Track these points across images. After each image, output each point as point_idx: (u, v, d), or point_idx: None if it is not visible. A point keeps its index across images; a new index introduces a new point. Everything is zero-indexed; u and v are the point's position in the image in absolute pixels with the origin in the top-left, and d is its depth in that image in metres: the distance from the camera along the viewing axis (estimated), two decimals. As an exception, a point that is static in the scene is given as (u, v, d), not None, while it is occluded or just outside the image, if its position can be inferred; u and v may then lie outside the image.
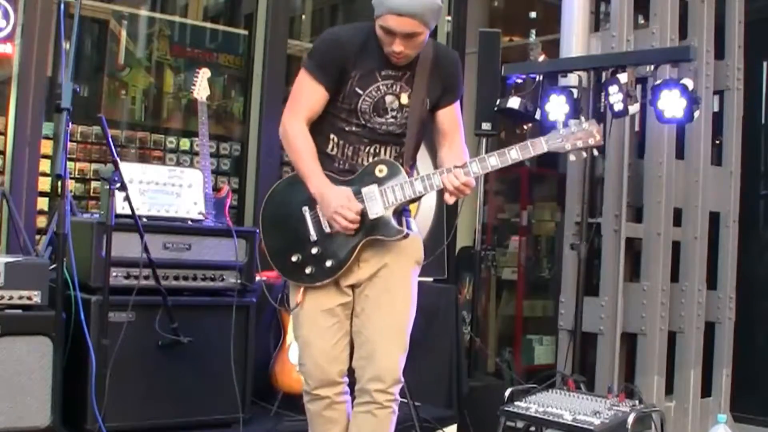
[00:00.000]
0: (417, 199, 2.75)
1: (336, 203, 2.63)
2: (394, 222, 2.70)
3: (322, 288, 2.75)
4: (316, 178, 2.68)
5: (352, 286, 2.77)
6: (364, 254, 2.74)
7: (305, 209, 2.74)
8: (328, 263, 2.72)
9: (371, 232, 2.69)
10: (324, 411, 2.81)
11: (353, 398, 2.80)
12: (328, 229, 2.71)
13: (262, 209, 2.81)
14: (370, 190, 2.69)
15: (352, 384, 2.82)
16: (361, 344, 2.74)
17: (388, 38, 2.62)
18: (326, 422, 2.82)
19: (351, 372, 2.81)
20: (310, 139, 2.72)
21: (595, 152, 2.81)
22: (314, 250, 2.73)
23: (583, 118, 2.76)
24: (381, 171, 2.71)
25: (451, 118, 2.84)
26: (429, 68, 2.74)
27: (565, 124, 2.73)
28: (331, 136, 2.75)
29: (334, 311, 2.76)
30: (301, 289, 2.78)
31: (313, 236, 2.73)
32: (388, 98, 2.72)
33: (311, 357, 2.77)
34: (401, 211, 2.78)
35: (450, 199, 2.68)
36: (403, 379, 2.73)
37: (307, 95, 2.72)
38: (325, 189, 2.67)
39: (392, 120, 2.74)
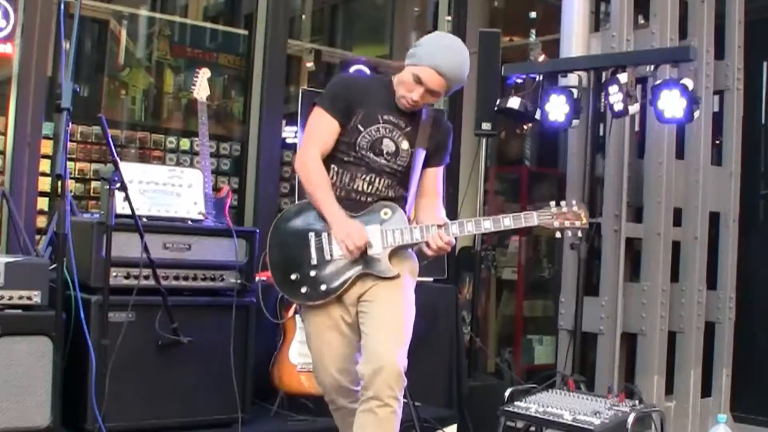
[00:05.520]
0: (414, 245, 2.94)
1: (350, 230, 2.86)
2: (388, 263, 2.89)
3: (326, 306, 2.92)
4: (330, 208, 2.90)
5: (355, 301, 2.92)
6: (360, 278, 2.92)
7: (311, 235, 2.94)
8: (323, 287, 2.91)
9: (366, 268, 2.89)
10: (347, 417, 2.98)
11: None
12: (328, 257, 2.91)
13: (273, 226, 3.02)
14: (373, 229, 2.90)
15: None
16: (365, 344, 2.85)
17: (413, 86, 2.88)
18: (350, 426, 2.94)
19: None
20: (325, 172, 2.95)
21: (579, 234, 3.06)
22: (312, 273, 2.92)
23: (574, 201, 2.99)
24: (386, 214, 2.93)
25: (434, 181, 3.08)
26: (430, 126, 3.00)
27: (557, 203, 2.98)
28: (332, 166, 2.97)
29: (338, 325, 2.94)
30: (293, 306, 3.03)
31: (314, 260, 2.92)
32: (386, 141, 2.95)
33: (323, 369, 2.98)
34: None
35: (431, 254, 2.91)
36: (405, 379, 2.77)
37: (321, 128, 2.95)
38: (342, 216, 2.90)
39: (385, 162, 2.96)
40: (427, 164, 3.04)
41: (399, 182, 2.99)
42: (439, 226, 2.88)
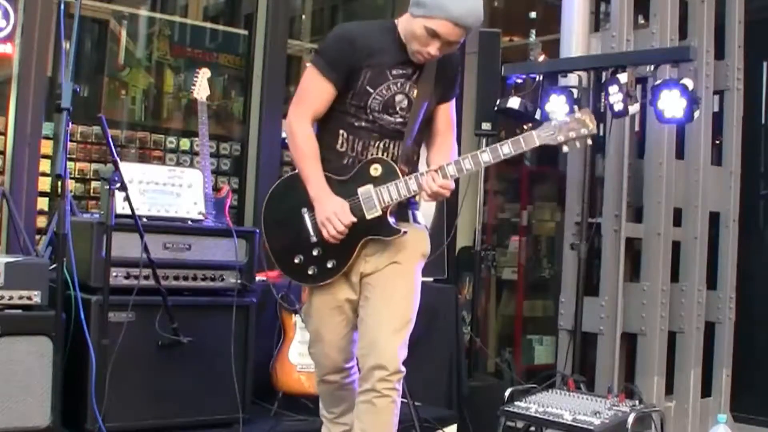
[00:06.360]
0: (413, 196, 2.75)
1: (330, 211, 2.66)
2: (391, 221, 2.72)
3: (331, 285, 2.79)
4: (315, 182, 2.70)
5: (360, 279, 2.79)
6: (369, 250, 2.76)
7: (304, 210, 2.76)
8: (330, 264, 2.75)
9: (369, 232, 2.72)
10: (334, 391, 2.94)
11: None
12: None
13: (263, 210, 2.84)
14: (366, 191, 2.71)
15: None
16: (364, 333, 2.76)
17: (428, 40, 2.61)
18: (336, 399, 2.95)
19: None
20: (315, 140, 2.74)
21: (589, 141, 2.72)
22: (315, 252, 2.76)
23: (576, 107, 2.70)
24: (376, 170, 2.72)
25: (446, 116, 2.86)
26: (435, 66, 2.74)
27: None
28: (341, 131, 2.75)
29: (342, 308, 2.82)
30: (307, 289, 2.86)
31: (313, 237, 2.76)
32: (398, 97, 2.73)
33: (320, 349, 2.88)
34: (408, 204, 2.80)
35: (428, 199, 2.71)
36: (404, 370, 2.72)
37: (315, 92, 2.72)
38: (323, 195, 2.69)
39: (401, 119, 2.74)
40: (437, 101, 2.81)
41: (417, 142, 2.80)
42: (435, 170, 2.64)
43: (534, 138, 2.66)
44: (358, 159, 2.74)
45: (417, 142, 2.84)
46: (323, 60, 2.70)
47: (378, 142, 2.74)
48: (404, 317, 2.74)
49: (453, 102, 2.88)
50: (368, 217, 2.70)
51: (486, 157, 2.66)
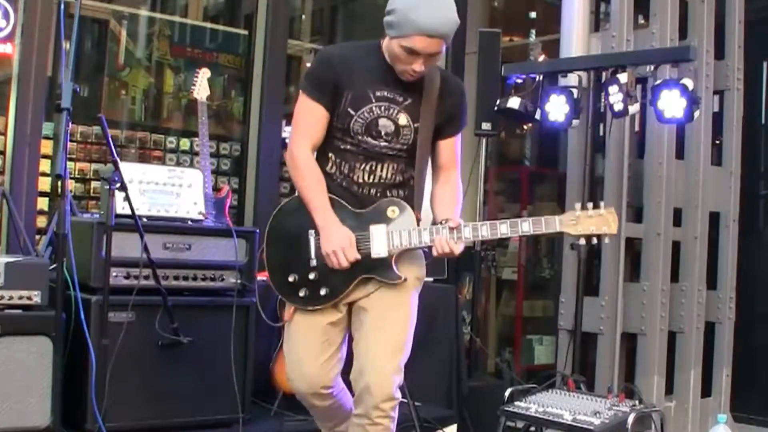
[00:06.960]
0: (422, 248, 2.73)
1: (337, 243, 2.64)
2: (394, 267, 2.69)
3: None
4: (322, 211, 2.69)
5: (349, 303, 2.77)
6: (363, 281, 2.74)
7: (311, 233, 2.73)
8: (323, 291, 2.73)
9: (370, 271, 2.70)
10: (320, 413, 2.91)
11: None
12: None
13: (270, 222, 2.82)
14: (378, 230, 2.69)
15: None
16: (357, 357, 2.72)
17: (409, 58, 2.59)
18: (325, 417, 2.92)
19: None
20: (318, 168, 2.74)
21: (606, 240, 2.71)
22: (312, 275, 2.73)
23: (602, 203, 2.69)
24: (393, 212, 2.71)
25: (451, 152, 2.83)
26: (436, 96, 2.72)
27: (584, 206, 2.69)
28: (330, 155, 2.76)
29: (325, 330, 2.77)
30: (292, 308, 2.80)
31: (313, 261, 2.73)
32: (382, 121, 2.70)
33: (299, 372, 2.79)
34: None
35: (436, 255, 2.70)
36: (398, 396, 2.68)
37: (308, 117, 2.72)
38: (330, 224, 2.67)
39: (386, 144, 2.72)
40: (440, 135, 2.78)
41: (407, 163, 2.75)
42: (451, 229, 2.63)
43: (556, 223, 2.66)
44: (347, 180, 2.73)
45: (424, 175, 2.81)
46: (309, 83, 2.72)
47: (364, 164, 2.72)
48: (398, 342, 2.70)
49: (458, 138, 2.84)
50: (373, 256, 2.68)
51: (504, 229, 2.66)
